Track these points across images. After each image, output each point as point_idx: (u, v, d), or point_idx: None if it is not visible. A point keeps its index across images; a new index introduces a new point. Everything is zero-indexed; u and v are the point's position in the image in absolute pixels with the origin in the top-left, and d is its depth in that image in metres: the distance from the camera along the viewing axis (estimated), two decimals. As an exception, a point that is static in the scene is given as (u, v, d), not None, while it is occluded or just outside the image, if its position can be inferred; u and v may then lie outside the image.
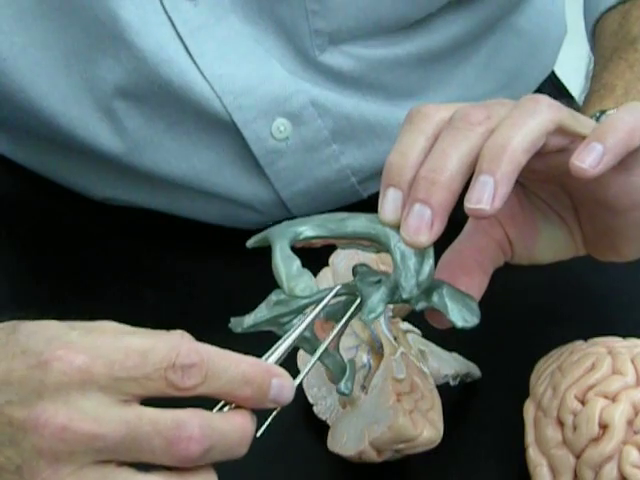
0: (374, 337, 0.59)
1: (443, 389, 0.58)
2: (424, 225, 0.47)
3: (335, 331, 0.50)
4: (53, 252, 0.77)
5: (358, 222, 0.50)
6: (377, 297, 0.49)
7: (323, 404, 0.60)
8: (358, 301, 0.50)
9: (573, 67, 0.92)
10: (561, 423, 0.53)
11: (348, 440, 0.56)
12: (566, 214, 0.56)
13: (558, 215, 0.56)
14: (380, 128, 0.72)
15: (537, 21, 0.82)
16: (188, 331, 0.47)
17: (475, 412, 0.62)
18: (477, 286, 0.54)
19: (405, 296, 0.48)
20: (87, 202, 0.77)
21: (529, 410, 0.56)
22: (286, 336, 0.48)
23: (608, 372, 0.53)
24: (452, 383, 0.61)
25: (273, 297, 0.50)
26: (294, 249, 0.50)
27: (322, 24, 0.68)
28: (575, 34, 0.89)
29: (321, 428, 0.59)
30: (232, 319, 0.50)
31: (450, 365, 0.60)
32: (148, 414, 0.44)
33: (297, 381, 0.47)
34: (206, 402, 0.45)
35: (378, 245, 0.49)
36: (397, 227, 0.48)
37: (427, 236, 0.47)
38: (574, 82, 0.85)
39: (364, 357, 0.59)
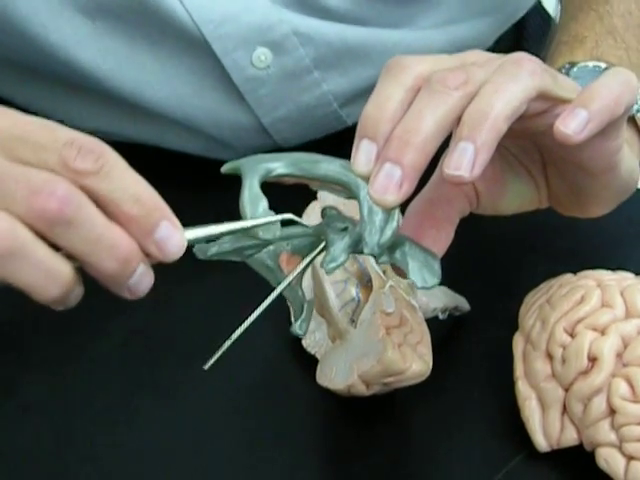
0: (363, 271, 0.59)
1: (432, 323, 0.57)
2: (393, 185, 0.46)
3: (298, 270, 0.49)
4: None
5: (332, 166, 0.49)
6: (340, 246, 0.48)
7: (312, 338, 0.60)
8: (322, 245, 0.49)
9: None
10: (550, 356, 0.53)
11: (337, 374, 0.56)
12: (534, 168, 0.56)
13: (526, 169, 0.56)
14: (363, 54, 0.72)
15: None
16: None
17: (464, 346, 0.62)
18: (444, 239, 0.53)
19: (367, 252, 0.48)
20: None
21: (518, 343, 0.56)
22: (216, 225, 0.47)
23: (597, 305, 0.53)
24: (441, 317, 0.61)
25: None
26: (264, 184, 0.49)
27: None
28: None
29: (310, 362, 0.59)
30: (196, 246, 0.48)
31: (439, 299, 0.60)
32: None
33: (264, 304, 0.47)
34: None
35: (349, 192, 0.49)
36: (368, 179, 0.47)
37: (395, 196, 0.46)
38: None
39: (353, 291, 0.59)
